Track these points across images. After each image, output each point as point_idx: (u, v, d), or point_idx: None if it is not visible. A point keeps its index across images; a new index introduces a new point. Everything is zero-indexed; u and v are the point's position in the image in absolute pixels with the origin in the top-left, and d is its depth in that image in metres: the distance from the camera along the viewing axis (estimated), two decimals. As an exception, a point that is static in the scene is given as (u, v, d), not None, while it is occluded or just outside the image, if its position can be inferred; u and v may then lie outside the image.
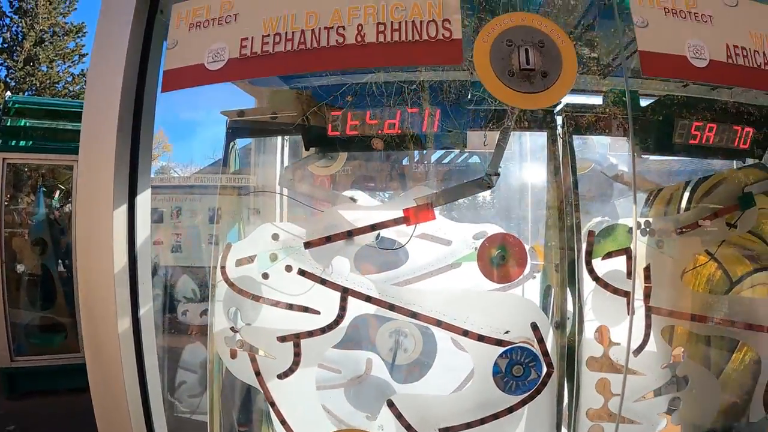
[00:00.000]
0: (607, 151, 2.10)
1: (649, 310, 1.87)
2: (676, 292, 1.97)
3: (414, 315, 1.71)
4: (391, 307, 1.72)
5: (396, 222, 1.75)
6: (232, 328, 1.95)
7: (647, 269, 1.88)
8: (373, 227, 1.75)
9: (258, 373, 1.90)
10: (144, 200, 1.87)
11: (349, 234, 1.78)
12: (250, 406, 2.19)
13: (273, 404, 1.89)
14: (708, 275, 2.11)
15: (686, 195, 2.12)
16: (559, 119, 1.95)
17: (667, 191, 2.10)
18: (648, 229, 1.90)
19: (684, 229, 1.97)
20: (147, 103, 1.65)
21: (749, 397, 2.08)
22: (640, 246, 1.89)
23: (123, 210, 1.67)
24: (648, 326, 1.86)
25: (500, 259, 1.71)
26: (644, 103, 2.05)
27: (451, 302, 1.70)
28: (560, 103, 1.93)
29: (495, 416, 1.73)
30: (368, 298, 1.74)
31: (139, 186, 1.83)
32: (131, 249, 1.84)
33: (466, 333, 1.70)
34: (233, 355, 1.94)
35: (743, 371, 2.14)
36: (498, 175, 1.73)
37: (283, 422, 1.89)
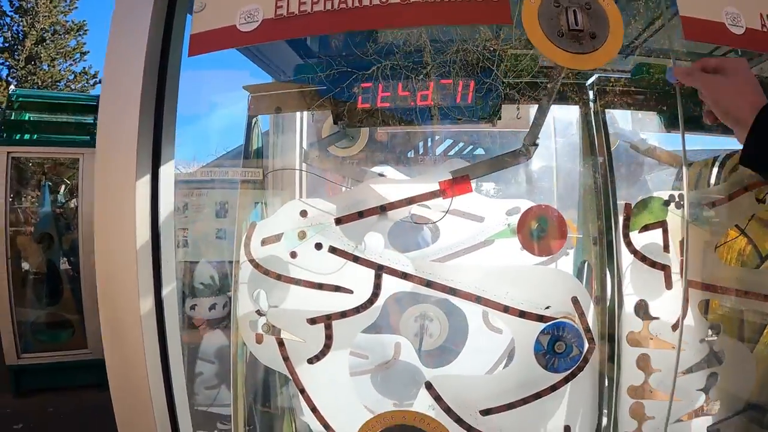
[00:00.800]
0: (634, 127, 2.00)
1: (687, 284, 1.76)
2: (711, 265, 1.87)
3: (453, 291, 1.58)
4: (428, 284, 1.59)
5: (432, 195, 1.62)
6: (257, 311, 1.80)
7: (682, 243, 1.78)
8: (408, 201, 1.63)
9: (286, 359, 1.75)
10: (167, 173, 1.72)
11: (383, 209, 1.64)
12: (276, 394, 2.05)
13: (303, 391, 1.75)
14: (739, 250, 2.01)
15: (715, 170, 2.02)
16: (590, 93, 1.84)
17: (697, 166, 2.00)
18: (681, 203, 1.79)
19: (716, 203, 1.87)
20: (171, 72, 1.51)
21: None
22: (674, 219, 1.79)
23: (146, 182, 1.52)
24: (686, 300, 1.76)
25: (540, 232, 1.59)
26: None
27: (490, 277, 1.57)
28: (593, 75, 1.82)
29: (537, 395, 1.61)
30: (404, 275, 1.61)
31: (163, 157, 1.68)
32: (154, 225, 1.70)
33: (506, 309, 1.58)
34: (259, 340, 1.80)
35: (774, 346, 2.05)
36: (536, 146, 1.61)
37: (314, 409, 1.74)
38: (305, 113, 2.07)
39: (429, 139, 2.09)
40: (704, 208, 1.84)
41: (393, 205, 1.63)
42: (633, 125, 1.95)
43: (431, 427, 1.55)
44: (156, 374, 1.75)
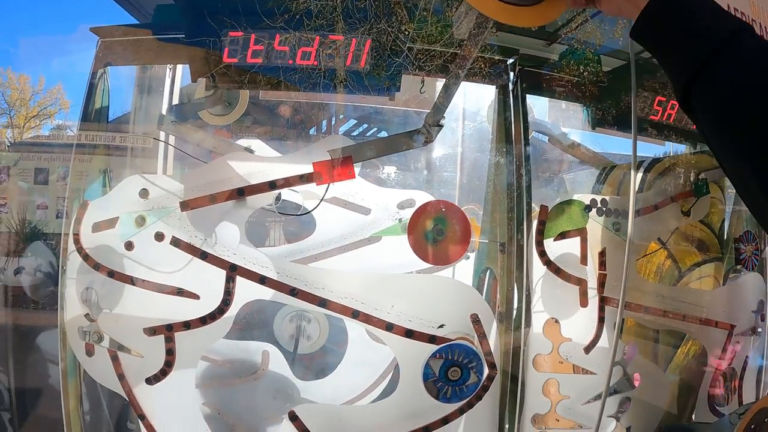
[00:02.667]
0: (553, 119, 1.64)
1: (602, 301, 1.43)
2: (631, 281, 1.55)
3: (323, 303, 1.15)
4: (293, 292, 1.15)
5: (303, 179, 1.17)
6: (87, 316, 1.30)
7: (602, 254, 1.44)
8: (272, 185, 1.17)
9: (122, 377, 1.26)
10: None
11: (240, 192, 1.18)
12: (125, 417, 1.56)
13: (143, 417, 1.27)
14: (658, 264, 1.71)
15: (639, 175, 1.71)
16: (511, 75, 1.46)
17: (620, 170, 1.66)
18: (605, 209, 1.45)
19: (641, 212, 1.55)
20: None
21: (695, 394, 1.73)
22: (595, 227, 1.45)
23: None
24: (601, 319, 1.42)
25: (437, 234, 1.19)
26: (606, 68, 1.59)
27: (372, 287, 1.15)
28: (516, 54, 1.43)
29: (426, 429, 1.21)
30: (263, 279, 1.15)
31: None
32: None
33: (390, 327, 1.16)
34: (89, 351, 1.30)
35: (686, 368, 1.79)
36: (440, 127, 1.20)
37: (156, 439, 1.28)
38: (177, 67, 1.57)
39: (333, 118, 1.65)
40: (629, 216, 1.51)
41: (254, 189, 1.18)
42: (552, 118, 1.60)
43: None
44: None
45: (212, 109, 1.48)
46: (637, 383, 1.51)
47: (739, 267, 1.83)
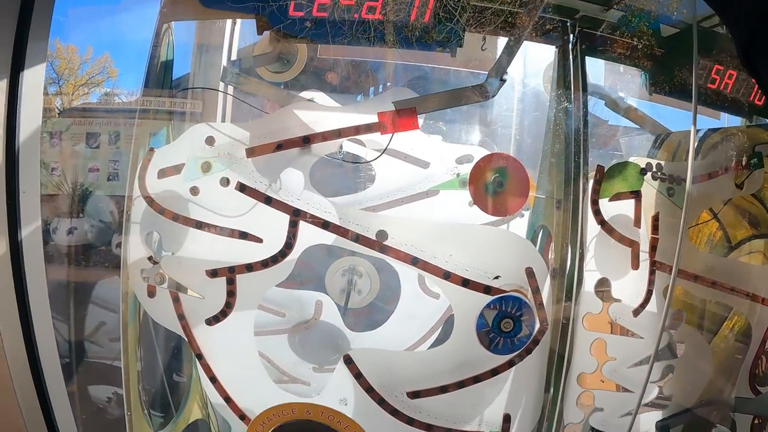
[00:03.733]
0: (611, 83, 1.61)
1: (653, 265, 1.42)
2: (682, 249, 1.53)
3: (384, 249, 1.17)
4: (356, 238, 1.17)
5: (368, 128, 1.19)
6: (150, 258, 1.34)
7: (655, 218, 1.42)
8: (337, 133, 1.19)
9: (182, 317, 1.31)
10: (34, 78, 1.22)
11: (306, 140, 1.20)
12: (179, 357, 1.61)
13: (200, 356, 1.31)
14: (709, 235, 1.68)
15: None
16: (571, 36, 1.43)
17: (676, 137, 1.63)
18: (659, 173, 1.43)
19: (695, 180, 1.52)
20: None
21: (736, 371, 1.71)
22: (650, 191, 1.43)
23: None
24: (651, 282, 1.41)
25: (498, 186, 1.19)
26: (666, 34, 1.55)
27: (432, 235, 1.16)
28: (576, 16, 1.41)
29: (476, 379, 1.22)
30: (326, 224, 1.18)
31: (28, 55, 1.18)
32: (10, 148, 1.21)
33: (447, 276, 1.17)
34: (151, 293, 1.34)
35: (730, 343, 1.76)
36: (503, 82, 1.19)
37: (213, 379, 1.31)
38: (237, 24, 1.58)
39: (380, 86, 1.64)
40: (683, 183, 1.48)
41: (319, 137, 1.19)
42: (609, 82, 1.57)
43: (342, 425, 1.15)
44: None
45: (270, 66, 1.50)
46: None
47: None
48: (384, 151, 1.18)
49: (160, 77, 1.73)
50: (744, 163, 1.63)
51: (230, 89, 1.47)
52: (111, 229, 2.22)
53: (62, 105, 2.73)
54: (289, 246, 1.20)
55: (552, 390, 1.32)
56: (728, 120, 1.82)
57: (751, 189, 1.68)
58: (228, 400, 1.29)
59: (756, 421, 1.73)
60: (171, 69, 1.48)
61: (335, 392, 1.20)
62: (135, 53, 2.11)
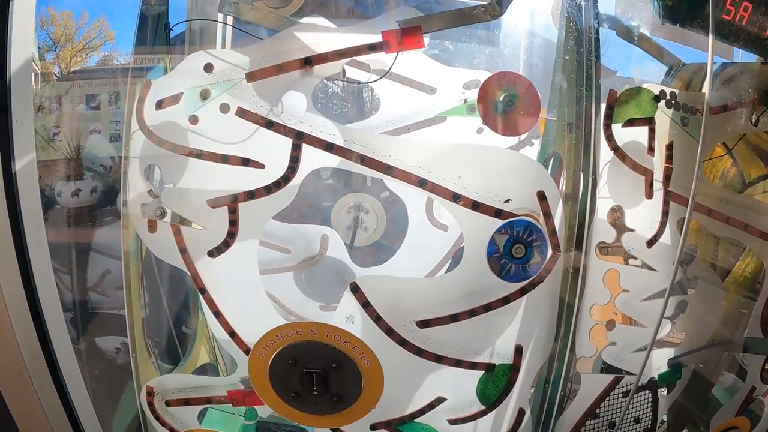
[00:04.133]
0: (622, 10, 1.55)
1: (668, 195, 1.37)
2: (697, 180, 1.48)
3: (390, 170, 1.12)
4: (361, 159, 1.13)
5: (371, 49, 1.13)
6: (150, 192, 1.31)
7: (669, 147, 1.38)
8: (340, 54, 1.13)
9: (184, 251, 1.27)
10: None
11: (308, 62, 1.15)
12: (183, 297, 1.58)
13: (203, 291, 1.27)
14: (723, 170, 1.63)
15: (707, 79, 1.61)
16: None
17: (690, 68, 1.58)
18: (674, 101, 1.38)
19: (710, 111, 1.46)
20: None
21: (748, 313, 1.67)
22: (663, 119, 1.38)
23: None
24: (665, 213, 1.37)
25: (507, 104, 1.14)
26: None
27: (440, 156, 1.12)
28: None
29: (487, 307, 1.19)
30: (329, 146, 1.13)
31: None
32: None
33: (457, 198, 1.13)
34: (152, 227, 1.30)
35: (743, 283, 1.72)
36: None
37: (217, 314, 1.28)
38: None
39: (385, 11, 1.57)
40: (697, 113, 1.43)
41: (321, 58, 1.14)
42: (620, 9, 1.51)
43: (349, 345, 1.12)
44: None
45: (269, 2, 1.44)
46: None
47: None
48: (389, 69, 1.13)
49: (153, 31, 1.68)
50: (760, 98, 1.58)
51: (229, 20, 1.42)
52: (116, 187, 2.19)
53: (60, 72, 2.68)
54: (292, 170, 1.16)
55: (564, 322, 1.29)
56: (742, 58, 1.76)
57: (766, 125, 1.63)
58: (233, 334, 1.26)
59: (767, 367, 1.71)
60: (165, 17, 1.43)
61: (342, 318, 1.17)
62: (131, 13, 2.05)
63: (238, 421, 1.44)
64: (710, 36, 1.34)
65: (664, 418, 1.73)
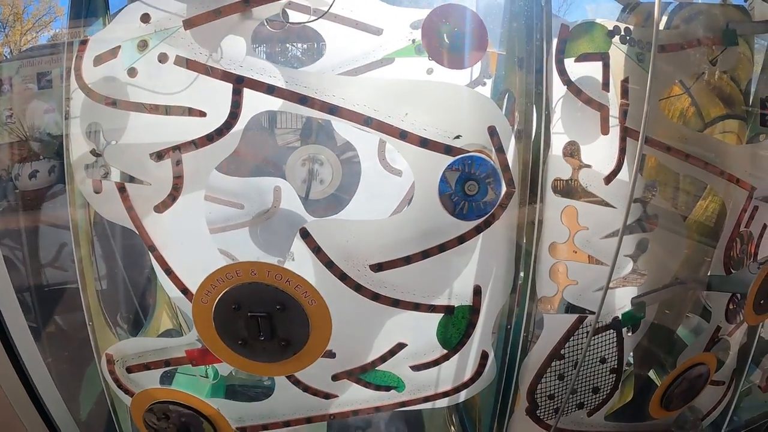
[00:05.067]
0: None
1: (624, 132, 1.36)
2: (654, 117, 1.47)
3: (334, 110, 1.09)
4: (303, 100, 1.09)
5: (311, -16, 1.10)
6: (93, 151, 1.26)
7: (625, 82, 1.36)
8: (278, -9, 1.10)
9: (130, 209, 1.23)
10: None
11: (246, 3, 1.11)
12: (136, 262, 1.54)
13: (153, 248, 1.24)
14: (681, 110, 1.62)
15: (664, 18, 1.60)
16: None
17: (646, 6, 1.56)
18: (628, 37, 1.36)
19: (665, 48, 1.45)
20: None
21: (711, 252, 1.68)
22: (618, 54, 1.35)
23: None
24: (622, 150, 1.35)
25: (452, 37, 1.11)
26: None
27: (385, 93, 1.08)
28: None
29: (441, 247, 1.17)
30: (271, 89, 1.09)
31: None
32: None
33: (404, 135, 1.10)
34: (97, 188, 1.26)
35: (704, 223, 1.73)
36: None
37: (168, 271, 1.25)
38: None
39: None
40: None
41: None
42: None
43: (291, 285, 1.09)
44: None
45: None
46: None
47: (762, 131, 1.75)
48: (329, 8, 1.09)
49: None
50: (718, 37, 1.57)
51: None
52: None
53: (11, 53, 2.58)
54: (234, 116, 1.11)
55: (523, 261, 1.28)
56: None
57: (725, 66, 1.62)
58: (185, 291, 1.23)
59: (731, 307, 1.73)
60: None
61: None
62: None
63: (205, 383, 1.43)
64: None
65: (631, 360, 1.75)
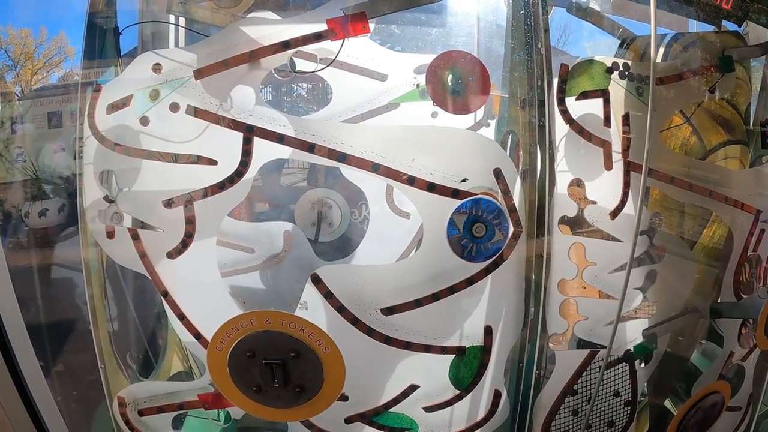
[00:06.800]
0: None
1: (627, 166, 1.37)
2: (656, 149, 1.49)
3: (343, 158, 1.11)
4: (312, 148, 1.11)
5: (317, 38, 1.13)
6: (106, 197, 1.28)
7: (626, 118, 1.38)
8: (285, 44, 1.12)
9: (143, 255, 1.25)
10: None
11: (253, 55, 1.14)
12: (147, 304, 1.55)
13: (165, 294, 1.25)
14: (683, 139, 1.64)
15: (662, 50, 1.63)
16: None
17: (643, 40, 1.59)
18: (627, 72, 1.38)
19: (664, 80, 1.47)
20: None
21: (720, 279, 1.68)
22: (618, 90, 1.38)
23: None
24: (626, 184, 1.37)
25: (455, 83, 1.14)
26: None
27: (391, 139, 1.11)
28: None
29: (451, 290, 1.18)
30: (281, 138, 1.12)
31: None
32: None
33: (412, 181, 1.12)
34: (110, 234, 1.28)
35: (712, 250, 1.73)
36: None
37: (181, 316, 1.26)
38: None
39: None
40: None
41: (267, 50, 1.13)
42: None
43: (305, 333, 1.10)
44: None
45: (219, 2, 1.43)
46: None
47: (763, 154, 1.76)
48: (336, 56, 1.12)
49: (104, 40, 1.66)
50: (715, 65, 1.59)
51: (182, 22, 1.41)
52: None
53: (22, 92, 2.63)
54: (244, 165, 1.14)
55: (533, 299, 1.28)
56: (697, 29, 1.78)
57: (724, 92, 1.64)
58: (198, 336, 1.24)
59: (743, 331, 1.71)
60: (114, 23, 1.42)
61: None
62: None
63: (216, 427, 1.42)
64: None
65: (645, 391, 1.73)
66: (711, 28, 1.80)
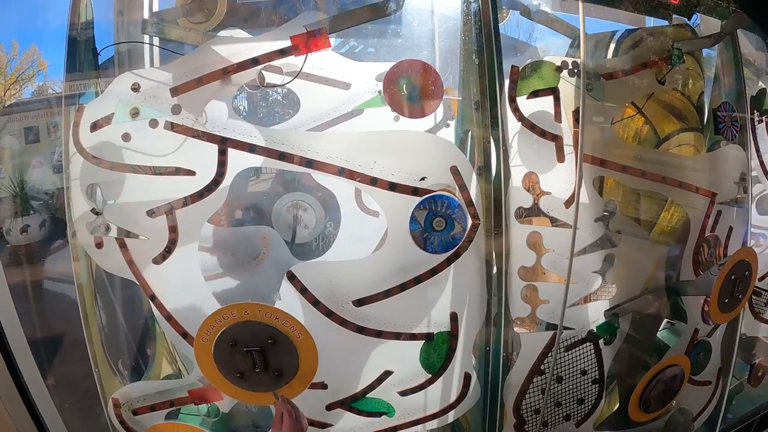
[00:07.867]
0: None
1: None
2: (607, 140, 1.66)
3: (310, 163, 1.26)
4: (281, 156, 1.27)
5: (283, 54, 1.28)
6: (93, 210, 1.43)
7: (576, 112, 1.54)
8: (254, 61, 1.27)
9: (131, 262, 1.40)
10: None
11: (225, 72, 1.29)
12: (137, 309, 1.70)
13: (153, 297, 1.40)
14: (636, 129, 1.80)
15: (612, 46, 1.79)
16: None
17: (592, 38, 1.76)
18: (576, 70, 1.55)
19: (613, 75, 1.64)
20: None
21: (679, 260, 1.85)
22: (567, 87, 1.54)
23: None
24: (579, 175, 1.54)
25: (411, 90, 1.29)
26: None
27: (355, 145, 1.26)
28: None
29: (416, 280, 1.33)
30: (252, 148, 1.26)
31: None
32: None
33: (374, 182, 1.27)
34: (99, 244, 1.43)
35: (670, 233, 1.90)
36: (403, -2, 1.30)
37: (169, 318, 1.41)
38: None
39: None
40: (601, 78, 1.61)
41: (237, 67, 1.28)
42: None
43: (280, 321, 1.24)
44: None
45: (192, 18, 1.58)
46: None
47: (720, 139, 1.93)
48: (300, 71, 1.27)
49: (82, 56, 1.80)
50: (664, 57, 1.76)
51: (156, 41, 1.56)
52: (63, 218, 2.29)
53: (-4, 108, 2.73)
54: (220, 174, 1.28)
55: (495, 286, 1.44)
56: (654, 24, 1.95)
57: (674, 83, 1.81)
58: (185, 335, 1.39)
59: (706, 308, 1.88)
60: (92, 43, 1.57)
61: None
62: (62, 40, 2.14)
63: (207, 422, 1.57)
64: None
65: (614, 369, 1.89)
66: (665, 22, 1.98)
